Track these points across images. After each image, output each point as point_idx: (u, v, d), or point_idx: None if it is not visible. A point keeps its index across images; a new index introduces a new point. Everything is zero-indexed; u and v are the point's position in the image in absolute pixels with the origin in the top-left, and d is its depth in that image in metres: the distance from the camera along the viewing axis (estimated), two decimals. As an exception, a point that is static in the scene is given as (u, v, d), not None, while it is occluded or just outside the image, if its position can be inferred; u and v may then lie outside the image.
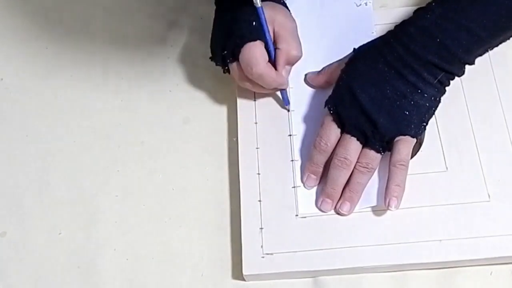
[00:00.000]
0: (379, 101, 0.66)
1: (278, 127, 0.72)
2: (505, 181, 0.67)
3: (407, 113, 0.66)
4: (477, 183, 0.67)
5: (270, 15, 0.69)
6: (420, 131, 0.67)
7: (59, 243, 0.69)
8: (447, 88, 0.68)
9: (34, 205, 0.71)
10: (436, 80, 0.66)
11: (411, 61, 0.66)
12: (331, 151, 0.68)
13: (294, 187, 0.69)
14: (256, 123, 0.72)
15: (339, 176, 0.67)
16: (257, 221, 0.67)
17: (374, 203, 0.67)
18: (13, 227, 0.70)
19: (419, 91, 0.66)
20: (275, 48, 0.70)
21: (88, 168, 0.73)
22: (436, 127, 0.71)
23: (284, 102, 0.73)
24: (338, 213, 0.67)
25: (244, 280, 0.66)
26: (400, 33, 0.68)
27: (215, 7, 0.73)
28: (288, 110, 0.73)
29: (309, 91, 0.74)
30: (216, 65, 0.72)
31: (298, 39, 0.71)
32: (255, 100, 0.74)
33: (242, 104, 0.74)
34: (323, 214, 0.67)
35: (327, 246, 0.65)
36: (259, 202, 0.68)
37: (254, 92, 0.74)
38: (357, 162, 0.67)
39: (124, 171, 0.73)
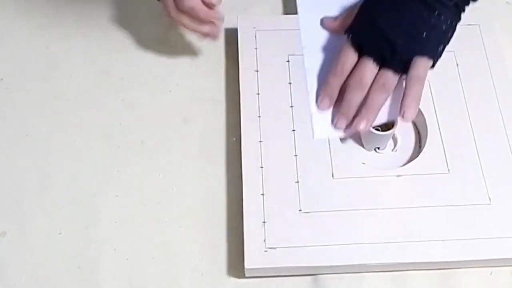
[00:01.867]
0: (397, 23, 0.69)
1: (281, 121, 0.73)
2: (506, 185, 0.68)
3: (425, 34, 0.68)
4: (478, 186, 0.68)
5: None
6: (437, 54, 0.70)
7: (59, 243, 0.69)
8: (462, 16, 0.71)
9: (34, 205, 0.71)
10: (453, 3, 0.69)
11: None
12: (346, 75, 0.71)
13: (297, 182, 0.69)
14: (259, 116, 0.73)
15: (354, 97, 0.69)
16: (260, 215, 0.67)
17: (385, 119, 0.70)
18: (13, 227, 0.70)
19: (437, 13, 0.68)
20: None
21: (88, 168, 0.73)
22: (438, 130, 0.71)
23: None
24: (354, 131, 0.69)
25: (244, 277, 0.66)
26: None
27: None
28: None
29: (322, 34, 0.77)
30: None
31: None
32: (258, 94, 0.74)
33: (246, 97, 0.74)
34: (326, 210, 0.67)
35: (329, 242, 0.65)
36: (262, 196, 0.68)
37: (258, 86, 0.74)
38: (375, 82, 0.69)
39: (124, 171, 0.73)
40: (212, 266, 0.67)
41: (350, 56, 0.71)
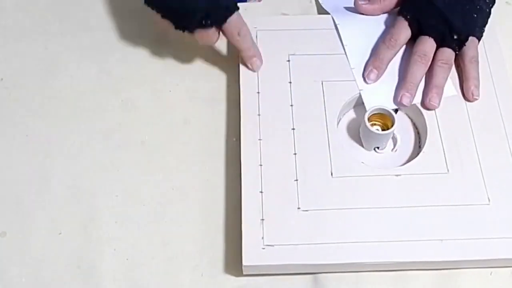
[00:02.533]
0: (452, 5, 0.73)
1: (281, 120, 0.73)
2: (505, 185, 0.68)
3: (475, 15, 0.74)
4: (477, 186, 0.68)
5: None
6: (482, 35, 0.76)
7: (59, 243, 0.69)
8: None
9: (34, 205, 0.71)
10: None
11: None
12: (398, 49, 0.75)
13: (296, 180, 0.69)
14: (259, 115, 0.73)
15: (418, 71, 0.73)
16: (258, 212, 0.67)
17: (455, 92, 0.74)
18: (13, 227, 0.70)
19: None
20: None
21: (88, 168, 0.73)
22: (438, 130, 0.71)
23: None
24: (427, 108, 0.73)
25: (244, 276, 0.66)
26: None
27: None
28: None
29: None
30: (177, 27, 0.74)
31: None
32: (258, 93, 0.74)
33: (246, 96, 0.74)
34: (324, 209, 0.67)
35: (328, 240, 0.65)
36: (260, 193, 0.68)
37: (258, 85, 0.75)
38: (438, 60, 0.73)
39: (124, 171, 0.73)
40: (212, 266, 0.67)
41: (404, 30, 0.75)
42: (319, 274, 0.66)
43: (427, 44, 0.74)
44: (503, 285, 0.66)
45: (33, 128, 0.76)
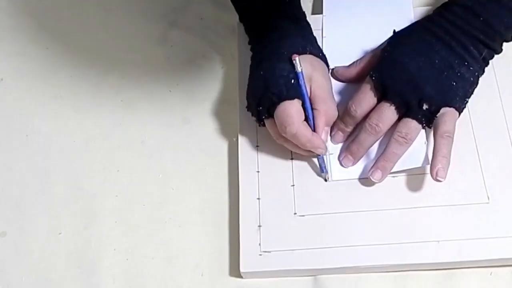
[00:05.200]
0: (427, 70, 0.66)
1: None
2: (505, 184, 0.68)
3: (454, 84, 0.66)
4: (477, 185, 0.67)
5: (308, 74, 0.67)
6: (463, 106, 0.67)
7: (59, 243, 0.69)
8: (485, 69, 0.69)
9: (34, 205, 0.71)
10: (481, 56, 0.67)
11: (458, 34, 0.67)
12: (360, 118, 0.68)
13: (293, 185, 0.69)
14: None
15: (366, 140, 0.67)
16: (255, 219, 0.67)
17: (419, 164, 0.67)
18: (13, 227, 0.70)
19: (466, 63, 0.67)
20: (313, 109, 0.68)
21: (88, 168, 0.73)
22: None
23: (320, 169, 0.68)
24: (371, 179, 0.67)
25: (242, 278, 0.66)
26: (444, 11, 0.69)
27: (252, 54, 0.73)
28: (326, 180, 0.69)
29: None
30: (252, 115, 0.69)
31: (333, 99, 0.69)
32: None
33: (243, 102, 0.74)
34: (321, 213, 0.67)
35: (325, 245, 0.65)
36: (257, 200, 0.68)
37: None
38: (396, 131, 0.66)
39: (124, 171, 0.73)
40: (212, 266, 0.67)
41: (367, 98, 0.67)
42: (319, 275, 0.66)
43: (385, 113, 0.66)
44: (503, 285, 0.66)
45: (33, 128, 0.76)
